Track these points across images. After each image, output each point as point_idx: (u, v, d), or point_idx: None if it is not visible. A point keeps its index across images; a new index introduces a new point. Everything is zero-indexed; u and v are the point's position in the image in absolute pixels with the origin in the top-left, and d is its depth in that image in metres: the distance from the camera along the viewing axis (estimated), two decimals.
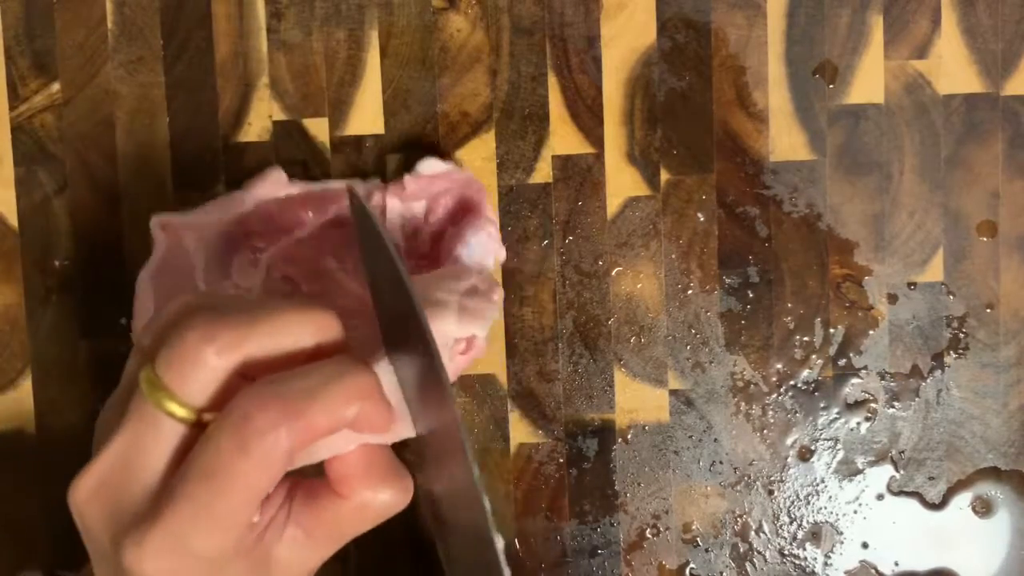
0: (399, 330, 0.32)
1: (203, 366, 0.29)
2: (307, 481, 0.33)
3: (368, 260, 0.33)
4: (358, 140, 0.45)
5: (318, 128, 0.45)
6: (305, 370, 0.30)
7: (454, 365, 0.36)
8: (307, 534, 0.32)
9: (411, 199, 0.43)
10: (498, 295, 0.39)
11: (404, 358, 0.32)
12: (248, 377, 0.30)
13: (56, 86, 0.45)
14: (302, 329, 0.30)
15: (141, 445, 0.30)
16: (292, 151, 0.45)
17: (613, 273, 0.45)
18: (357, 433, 0.31)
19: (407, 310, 0.30)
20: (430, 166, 0.43)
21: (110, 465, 0.30)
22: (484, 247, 0.42)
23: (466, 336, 0.36)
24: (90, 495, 0.30)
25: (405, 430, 0.32)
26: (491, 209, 0.44)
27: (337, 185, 0.43)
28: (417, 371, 0.31)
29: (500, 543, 0.29)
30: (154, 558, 0.29)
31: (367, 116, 0.45)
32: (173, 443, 0.30)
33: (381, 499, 0.32)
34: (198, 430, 0.30)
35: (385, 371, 0.32)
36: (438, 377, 0.29)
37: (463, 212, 0.43)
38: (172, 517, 0.29)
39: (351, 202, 0.33)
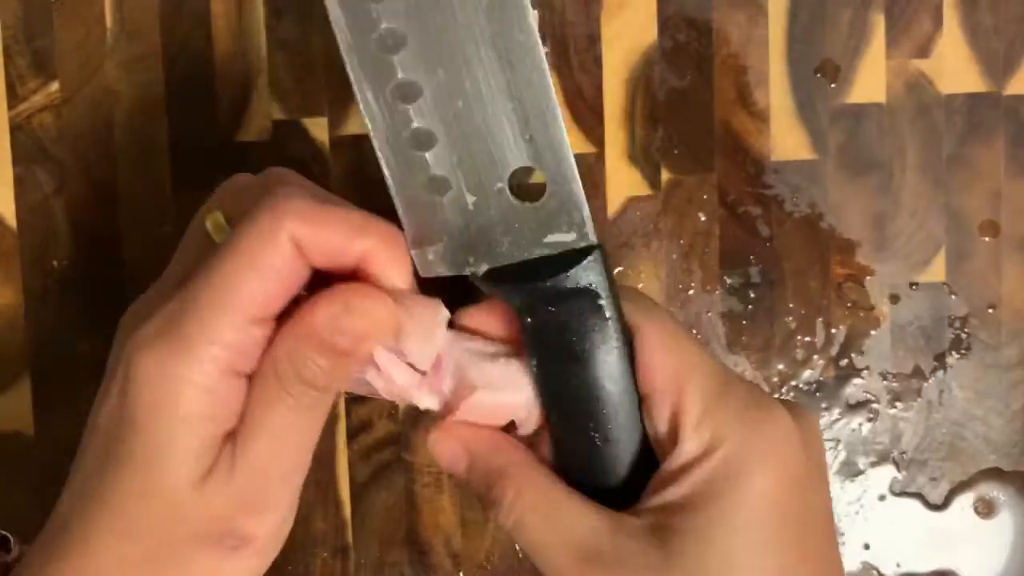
0: None
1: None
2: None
3: None
4: (358, 139, 0.44)
5: (318, 128, 0.45)
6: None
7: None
8: (238, 440, 0.30)
9: None
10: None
11: None
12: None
13: (55, 85, 0.45)
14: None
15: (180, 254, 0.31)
16: (292, 151, 0.45)
17: (614, 273, 0.45)
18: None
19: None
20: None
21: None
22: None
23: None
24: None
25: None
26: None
27: None
28: None
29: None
30: (150, 347, 0.29)
31: None
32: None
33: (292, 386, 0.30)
34: None
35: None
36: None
37: None
38: (174, 303, 0.29)
39: None
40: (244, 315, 0.29)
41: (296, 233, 0.29)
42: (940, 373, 0.45)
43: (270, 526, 0.31)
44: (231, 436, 0.30)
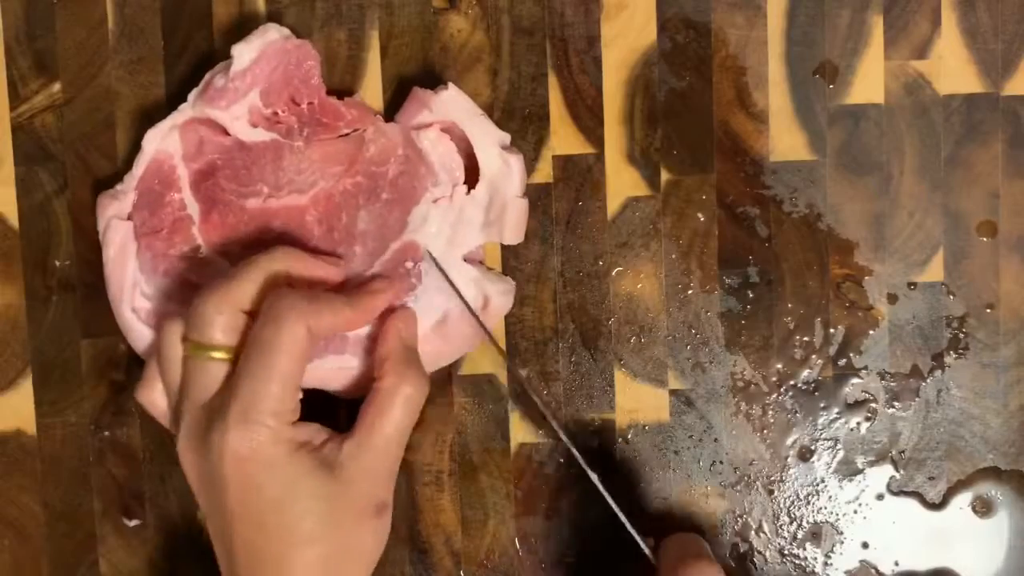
0: None
1: (214, 317, 0.38)
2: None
3: None
4: None
5: None
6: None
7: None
8: (358, 442, 0.39)
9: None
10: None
11: None
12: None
13: (57, 86, 0.45)
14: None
15: (200, 384, 0.39)
16: None
17: (613, 273, 0.45)
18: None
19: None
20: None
21: (180, 410, 0.39)
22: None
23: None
24: (183, 442, 0.39)
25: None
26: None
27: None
28: None
29: None
30: (235, 433, 0.37)
31: None
32: (222, 370, 0.39)
33: (404, 389, 0.39)
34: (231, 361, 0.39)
35: None
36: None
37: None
38: (240, 390, 0.37)
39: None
40: (298, 374, 0.38)
41: (312, 337, 0.38)
42: (938, 373, 0.45)
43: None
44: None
